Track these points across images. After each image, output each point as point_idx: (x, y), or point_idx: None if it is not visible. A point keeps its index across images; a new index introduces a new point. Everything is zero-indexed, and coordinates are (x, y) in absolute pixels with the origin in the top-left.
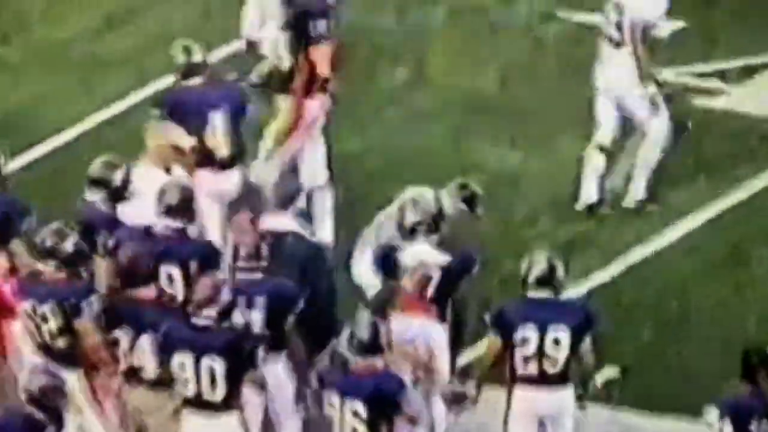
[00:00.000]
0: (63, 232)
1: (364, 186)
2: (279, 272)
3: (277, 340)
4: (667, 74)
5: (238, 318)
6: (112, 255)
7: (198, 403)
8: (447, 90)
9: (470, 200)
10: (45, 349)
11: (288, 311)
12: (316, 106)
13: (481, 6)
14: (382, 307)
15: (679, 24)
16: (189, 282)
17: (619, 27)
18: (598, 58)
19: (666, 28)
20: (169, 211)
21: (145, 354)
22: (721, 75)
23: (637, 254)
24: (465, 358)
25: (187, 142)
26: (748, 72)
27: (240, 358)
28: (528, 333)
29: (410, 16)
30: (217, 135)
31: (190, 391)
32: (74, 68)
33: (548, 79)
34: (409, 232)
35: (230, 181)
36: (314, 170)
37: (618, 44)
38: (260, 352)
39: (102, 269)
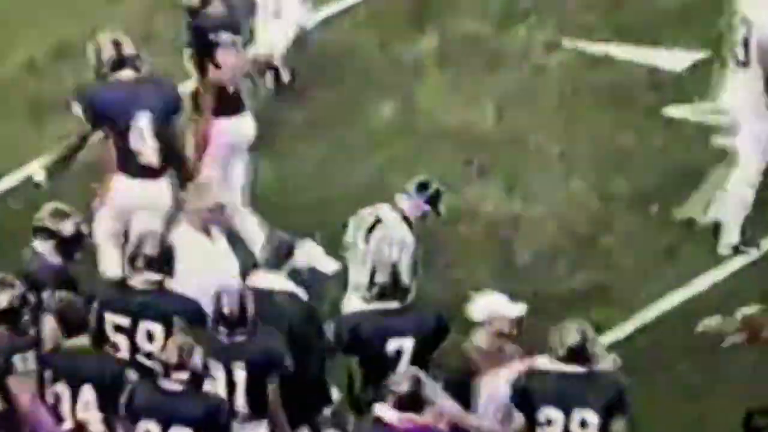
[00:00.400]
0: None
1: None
2: (265, 332)
3: (259, 405)
4: (687, 111)
5: (218, 378)
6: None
7: None
8: (438, 126)
9: (433, 200)
10: None
11: (271, 373)
12: (227, 126)
13: (476, 34)
14: (459, 375)
15: (700, 55)
16: None
17: (745, 44)
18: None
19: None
20: (149, 264)
21: (88, 407)
22: None
23: (659, 308)
24: None
25: (222, 197)
26: None
27: (214, 430)
28: (552, 414)
29: (399, 45)
30: (144, 137)
31: None
32: (22, 104)
33: (551, 114)
34: (380, 292)
35: (157, 193)
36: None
37: (744, 64)
38: (236, 424)
39: (48, 325)
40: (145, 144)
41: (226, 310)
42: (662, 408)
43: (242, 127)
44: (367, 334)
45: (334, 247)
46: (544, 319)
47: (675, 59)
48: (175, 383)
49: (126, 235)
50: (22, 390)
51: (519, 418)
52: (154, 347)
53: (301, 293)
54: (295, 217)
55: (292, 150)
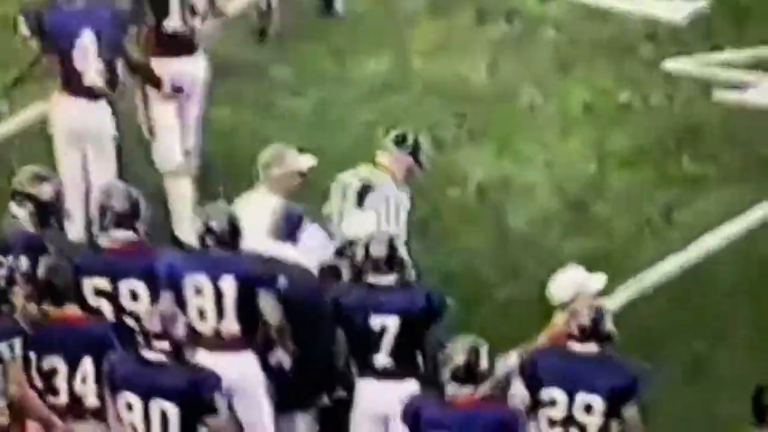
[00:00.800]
0: None
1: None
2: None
3: (249, 327)
4: (688, 64)
5: (208, 297)
6: (30, 278)
7: None
8: (430, 81)
9: (414, 152)
10: None
11: (262, 289)
12: (168, 68)
13: None
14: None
15: (701, 3)
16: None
17: None
18: None
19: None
20: (119, 221)
21: (87, 380)
22: (753, 64)
23: (657, 274)
24: None
25: (307, 163)
26: None
27: (197, 404)
28: (555, 395)
29: None
30: (88, 56)
31: None
32: None
33: (545, 68)
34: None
35: (102, 116)
36: (167, 152)
37: None
38: (220, 397)
39: (20, 298)
40: (89, 64)
41: (216, 229)
42: (663, 378)
43: (189, 69)
44: (349, 307)
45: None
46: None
47: (673, 9)
48: (156, 353)
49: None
50: (13, 379)
51: (524, 395)
52: (140, 308)
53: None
54: None
55: (279, 105)
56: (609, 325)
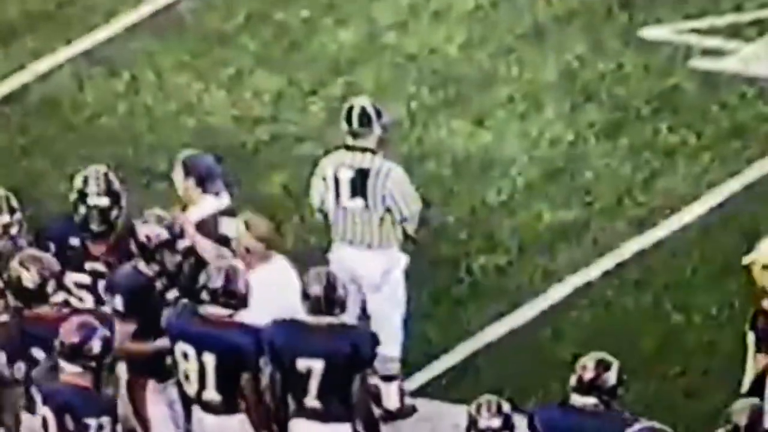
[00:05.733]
0: None
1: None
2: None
3: (231, 396)
4: (665, 32)
5: (191, 365)
6: None
7: None
8: (399, 56)
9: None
10: None
11: (243, 368)
12: None
13: None
14: None
15: None
16: None
17: None
18: None
19: None
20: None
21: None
22: (730, 31)
23: (632, 247)
24: None
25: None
26: (761, 27)
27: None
28: None
29: None
30: None
31: None
32: None
33: (522, 42)
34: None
35: None
36: None
37: None
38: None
39: None
40: None
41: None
42: (642, 346)
43: None
44: (279, 347)
45: (295, 188)
46: (525, 260)
47: None
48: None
49: None
50: None
51: None
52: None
53: None
54: (250, 156)
55: (245, 82)
56: (612, 380)
